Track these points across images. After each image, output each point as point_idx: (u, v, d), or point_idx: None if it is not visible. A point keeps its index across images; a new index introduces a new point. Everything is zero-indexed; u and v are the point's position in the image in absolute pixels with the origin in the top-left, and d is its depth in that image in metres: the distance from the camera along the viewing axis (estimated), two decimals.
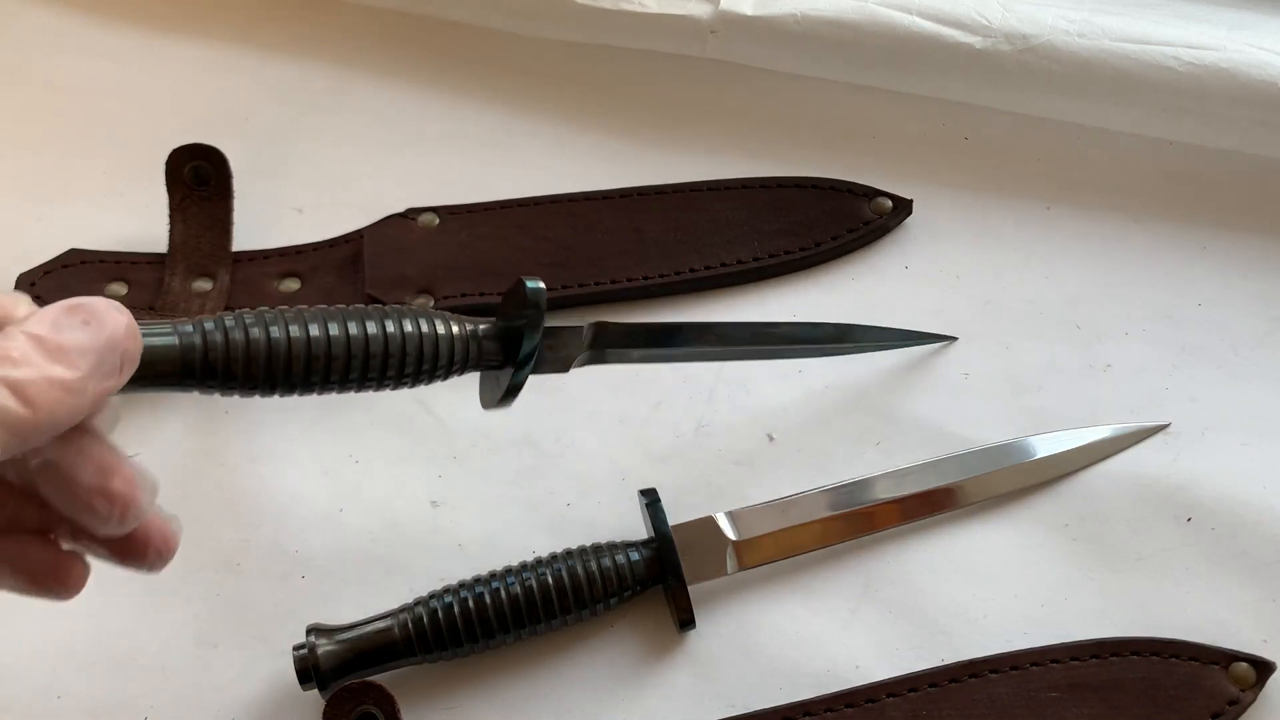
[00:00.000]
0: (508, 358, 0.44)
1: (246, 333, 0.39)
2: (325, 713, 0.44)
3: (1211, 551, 0.49)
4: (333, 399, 0.43)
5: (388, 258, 0.58)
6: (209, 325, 0.39)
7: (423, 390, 0.44)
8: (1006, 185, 0.61)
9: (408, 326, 0.42)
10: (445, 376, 0.44)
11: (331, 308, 0.42)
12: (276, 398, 0.41)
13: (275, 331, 0.40)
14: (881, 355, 0.56)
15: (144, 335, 0.34)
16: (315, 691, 0.46)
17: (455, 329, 0.43)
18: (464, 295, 0.57)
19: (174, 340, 0.38)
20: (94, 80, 0.68)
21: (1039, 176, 0.61)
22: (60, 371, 0.30)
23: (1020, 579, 0.50)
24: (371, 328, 0.41)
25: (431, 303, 0.57)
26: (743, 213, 0.60)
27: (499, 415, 0.47)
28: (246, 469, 0.54)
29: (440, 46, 0.68)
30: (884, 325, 0.55)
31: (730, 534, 0.49)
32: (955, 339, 0.56)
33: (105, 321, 0.32)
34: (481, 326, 0.44)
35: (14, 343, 0.30)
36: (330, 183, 0.63)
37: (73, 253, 0.58)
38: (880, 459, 0.53)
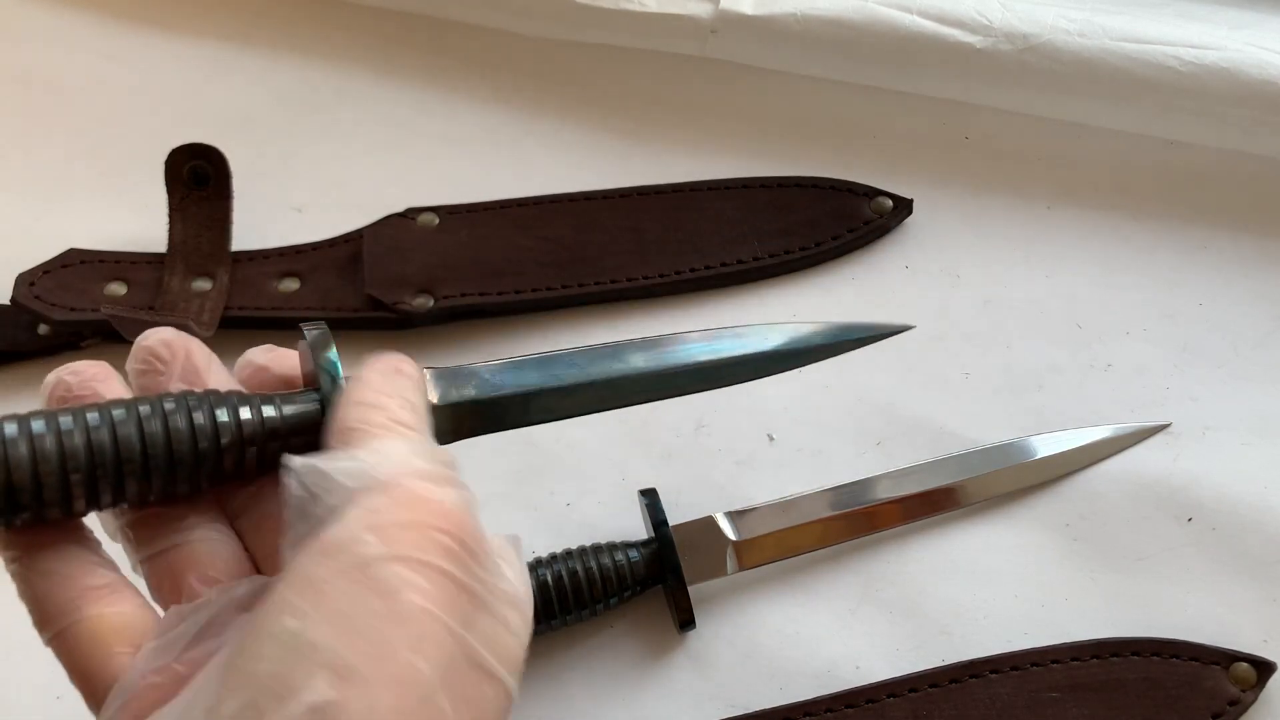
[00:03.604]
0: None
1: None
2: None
3: (1212, 551, 0.49)
4: None
5: (387, 257, 0.58)
6: None
7: None
8: (1007, 185, 0.61)
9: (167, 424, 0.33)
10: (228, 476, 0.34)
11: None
12: None
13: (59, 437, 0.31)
14: (881, 355, 0.55)
15: None
16: None
17: (230, 415, 0.33)
18: (464, 295, 0.57)
19: None
20: (94, 80, 0.68)
21: (1039, 176, 0.61)
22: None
23: (1020, 579, 0.50)
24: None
25: (431, 302, 0.57)
26: (743, 213, 0.60)
27: None
28: None
29: (440, 46, 0.68)
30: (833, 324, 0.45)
31: (730, 534, 0.49)
32: (912, 327, 0.48)
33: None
34: (272, 408, 0.34)
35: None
36: (330, 182, 0.63)
37: (72, 252, 0.58)
38: (880, 459, 0.53)
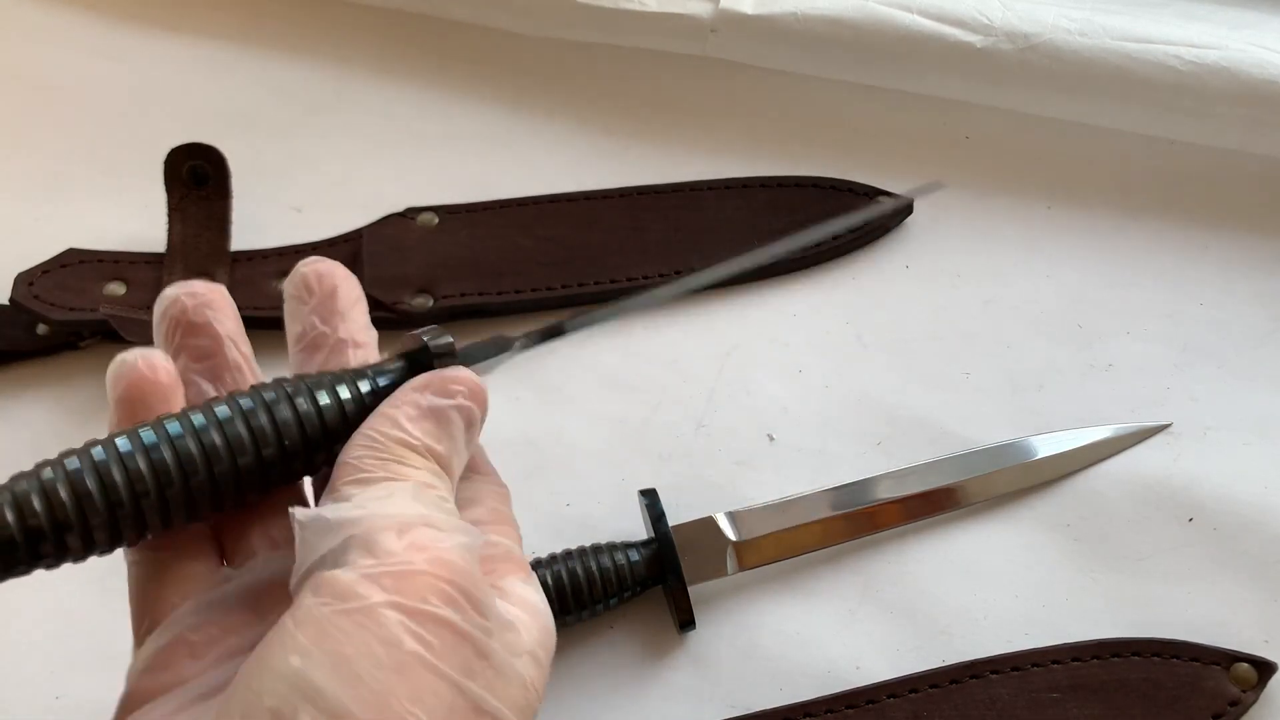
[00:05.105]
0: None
1: (70, 482, 0.31)
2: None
3: (1213, 552, 0.49)
4: None
5: (387, 257, 0.58)
6: (21, 488, 0.30)
7: None
8: (1007, 184, 0.61)
9: (293, 409, 0.33)
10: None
11: (170, 418, 0.33)
12: None
13: (116, 473, 0.31)
14: (881, 355, 0.56)
15: None
16: None
17: (345, 392, 0.34)
18: (463, 295, 0.57)
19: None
20: (93, 80, 0.68)
21: (1039, 176, 0.61)
22: None
23: (1021, 579, 0.50)
24: (250, 423, 0.32)
25: (431, 302, 0.57)
26: (743, 212, 0.60)
27: (498, 415, 0.47)
28: None
29: (440, 46, 0.68)
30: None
31: (730, 534, 0.49)
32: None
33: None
34: (370, 375, 0.35)
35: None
36: (330, 182, 0.63)
37: (71, 252, 0.58)
38: (881, 459, 0.53)
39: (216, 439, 0.32)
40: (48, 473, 0.31)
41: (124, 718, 0.32)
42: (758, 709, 0.47)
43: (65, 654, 0.49)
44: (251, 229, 0.60)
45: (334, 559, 0.30)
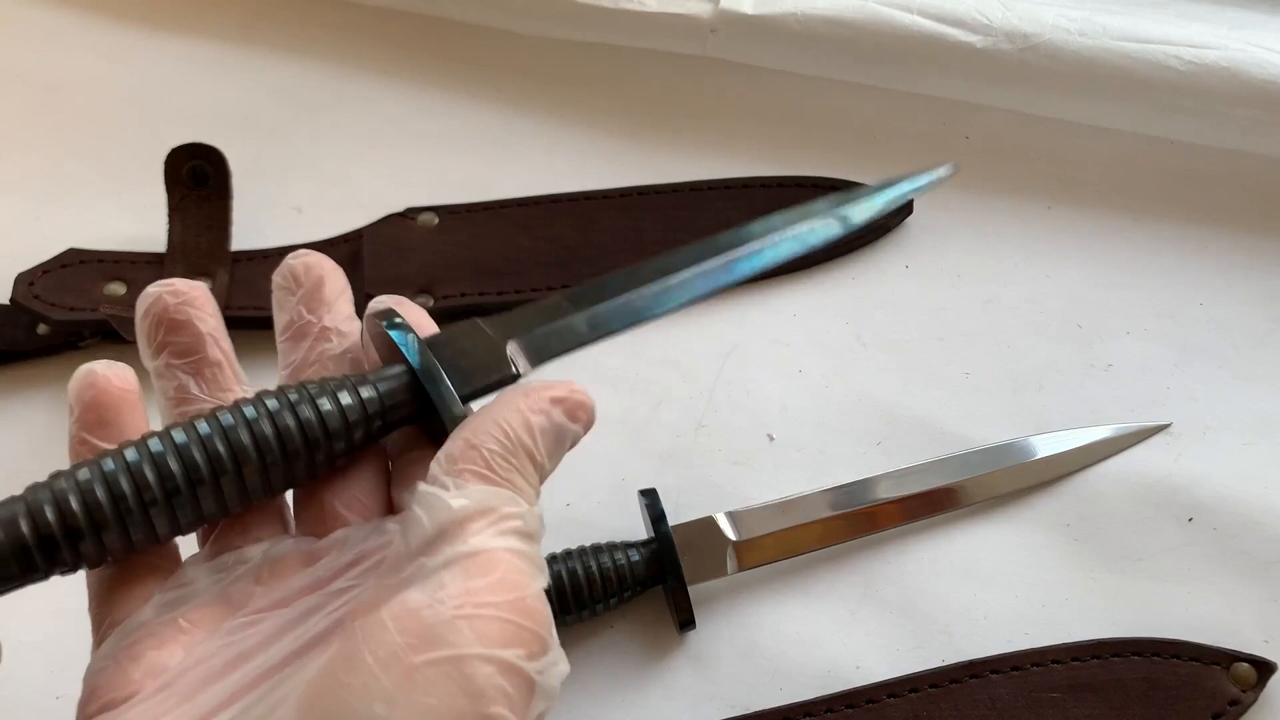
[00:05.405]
0: (422, 405, 0.35)
1: (108, 485, 0.31)
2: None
3: (1213, 551, 0.49)
4: None
5: (387, 257, 0.58)
6: (60, 486, 0.31)
7: None
8: (1007, 185, 0.61)
9: (290, 418, 0.33)
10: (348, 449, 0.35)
11: (190, 423, 0.33)
12: None
13: (147, 473, 0.31)
14: (881, 355, 0.56)
15: None
16: None
17: (346, 399, 0.34)
18: (463, 295, 0.57)
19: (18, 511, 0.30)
20: (93, 80, 0.68)
21: (1039, 176, 0.61)
22: None
23: (1021, 579, 0.50)
24: (260, 428, 0.33)
25: (431, 302, 0.57)
26: (743, 212, 0.59)
27: None
28: None
29: (440, 46, 0.68)
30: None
31: (730, 534, 0.49)
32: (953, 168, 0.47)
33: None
34: (368, 385, 0.35)
35: None
36: (330, 182, 0.63)
37: (71, 252, 0.58)
38: (880, 459, 0.53)
39: (245, 439, 0.33)
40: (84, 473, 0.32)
41: (97, 715, 0.32)
42: (758, 709, 0.47)
43: (65, 654, 0.49)
44: (251, 229, 0.60)
45: (430, 565, 0.29)
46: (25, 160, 0.65)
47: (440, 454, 0.32)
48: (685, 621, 0.48)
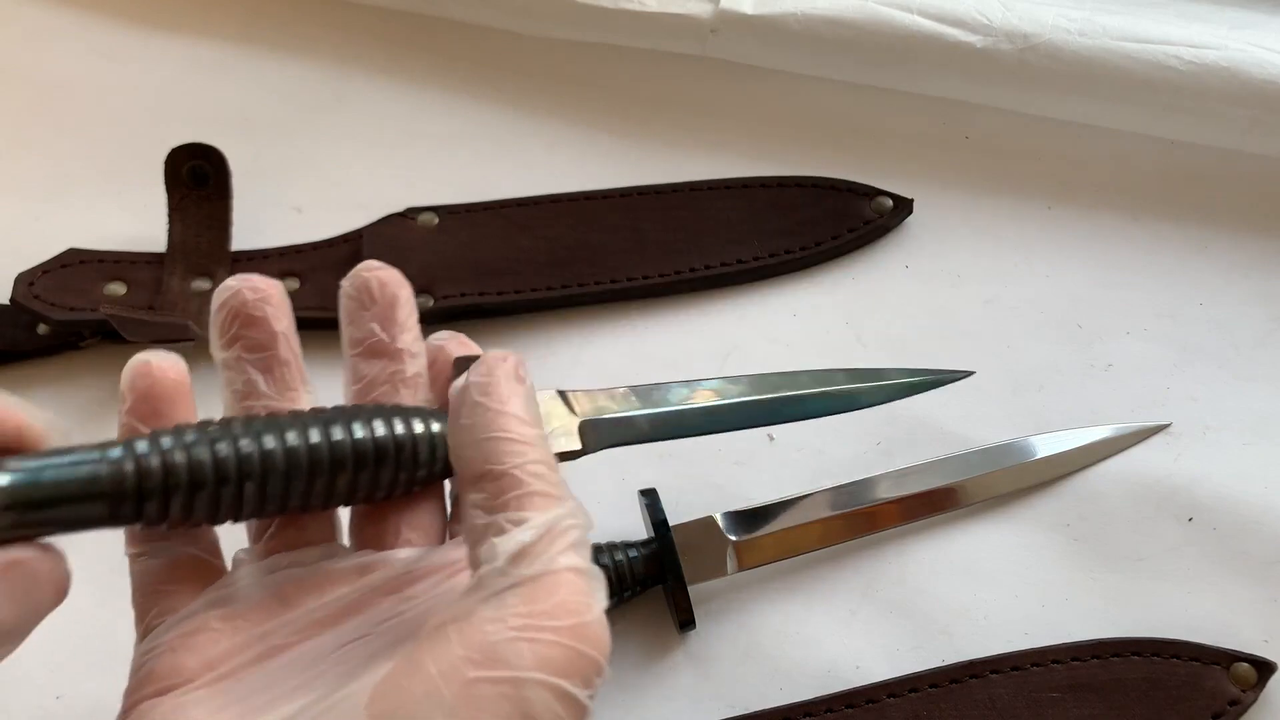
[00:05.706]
0: None
1: (189, 454, 0.32)
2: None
3: (1213, 551, 0.49)
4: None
5: (387, 257, 0.57)
6: (141, 448, 0.31)
7: None
8: (1007, 185, 0.61)
9: (381, 430, 0.34)
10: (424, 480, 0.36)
11: (284, 417, 0.34)
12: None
13: (223, 449, 0.32)
14: (881, 355, 0.55)
15: (61, 466, 0.30)
16: None
17: (435, 427, 0.35)
18: (463, 295, 0.57)
19: (99, 469, 0.30)
20: (93, 80, 0.68)
21: (1039, 176, 0.61)
22: None
23: (1021, 579, 0.50)
24: (337, 433, 0.34)
25: (431, 302, 0.57)
26: (743, 212, 0.60)
27: None
28: None
29: (440, 46, 0.68)
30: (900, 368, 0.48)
31: (730, 534, 0.49)
32: (972, 373, 0.50)
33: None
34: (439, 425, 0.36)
35: None
36: (330, 182, 0.63)
37: (71, 252, 0.58)
38: (880, 459, 0.53)
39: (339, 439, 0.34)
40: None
41: (142, 702, 0.32)
42: (757, 709, 0.47)
43: (65, 654, 0.49)
44: (251, 229, 0.60)
45: (497, 586, 0.30)
46: (25, 160, 0.65)
47: (473, 495, 0.32)
48: (685, 621, 0.48)
